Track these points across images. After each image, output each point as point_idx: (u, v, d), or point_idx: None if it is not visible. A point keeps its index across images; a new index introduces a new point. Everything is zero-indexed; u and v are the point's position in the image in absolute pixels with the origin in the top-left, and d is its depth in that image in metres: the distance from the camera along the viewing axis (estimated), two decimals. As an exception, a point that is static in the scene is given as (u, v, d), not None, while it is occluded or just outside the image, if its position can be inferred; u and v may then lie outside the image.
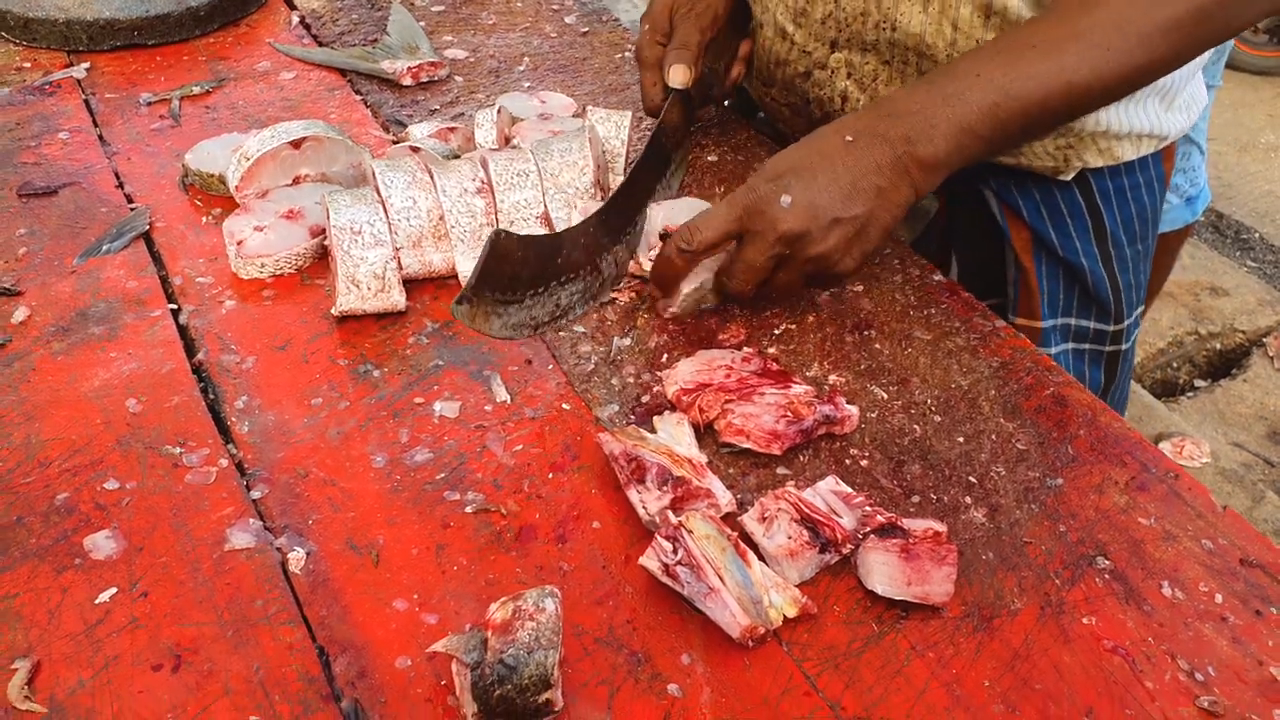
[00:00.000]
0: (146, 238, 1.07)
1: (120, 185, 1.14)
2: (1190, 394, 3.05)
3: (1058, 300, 1.22)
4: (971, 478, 0.88)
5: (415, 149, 1.11)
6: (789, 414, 0.88)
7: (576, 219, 1.02)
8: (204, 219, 1.10)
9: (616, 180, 1.11)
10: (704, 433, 0.89)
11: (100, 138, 1.21)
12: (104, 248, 1.04)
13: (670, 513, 0.79)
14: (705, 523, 0.78)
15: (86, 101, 1.27)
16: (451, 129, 1.18)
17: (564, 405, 0.92)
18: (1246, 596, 0.80)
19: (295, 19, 1.45)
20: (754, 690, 0.72)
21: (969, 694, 0.72)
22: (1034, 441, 0.91)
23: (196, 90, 1.28)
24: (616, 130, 1.11)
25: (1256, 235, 3.61)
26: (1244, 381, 3.06)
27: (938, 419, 0.93)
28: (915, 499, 0.86)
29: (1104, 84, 0.96)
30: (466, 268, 1.01)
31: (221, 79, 1.31)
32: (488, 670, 0.67)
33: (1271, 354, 3.21)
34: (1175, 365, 3.19)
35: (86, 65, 1.33)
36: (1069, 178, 1.16)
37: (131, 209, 1.10)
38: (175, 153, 1.19)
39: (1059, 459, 0.90)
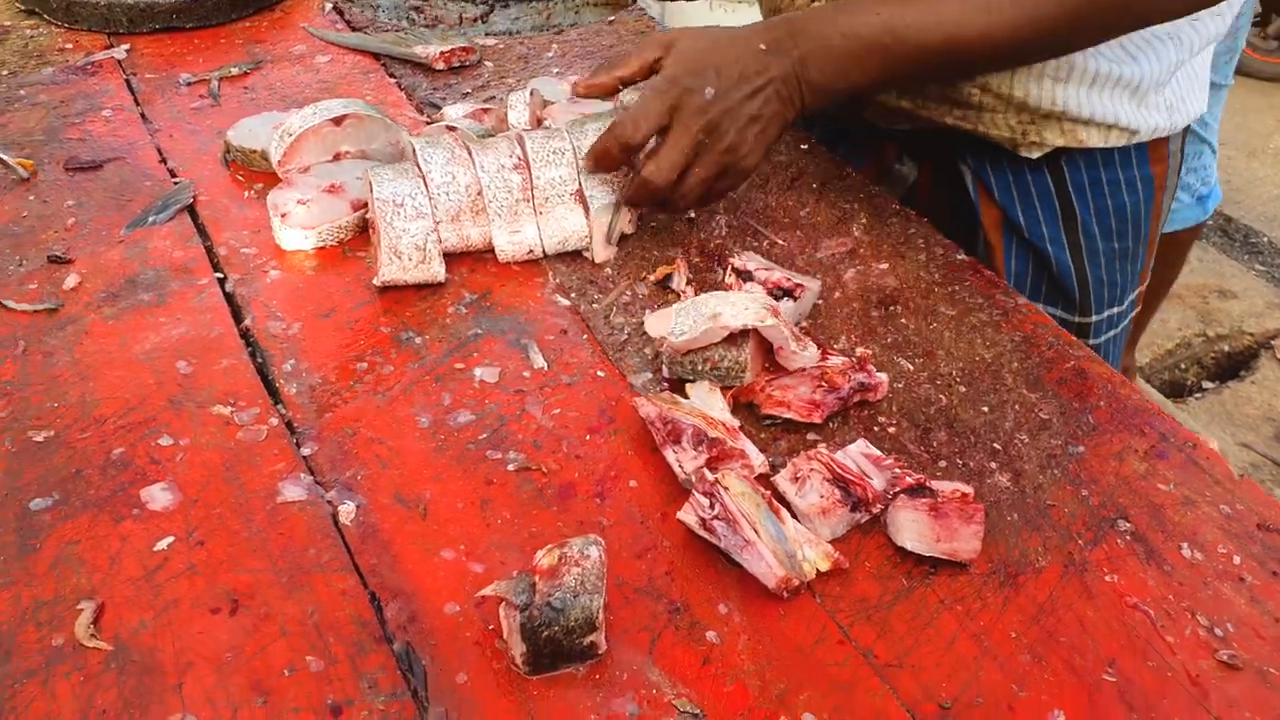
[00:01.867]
0: (191, 210, 1.10)
1: (163, 160, 1.17)
2: (1198, 395, 3.07)
3: (1024, 282, 1.24)
4: (996, 444, 0.91)
5: (451, 128, 1.13)
6: (824, 383, 0.91)
7: (611, 197, 1.05)
8: (246, 193, 1.13)
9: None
10: (738, 408, 0.92)
11: (142, 115, 1.24)
12: (150, 219, 1.07)
13: (706, 470, 0.82)
14: (740, 481, 0.81)
15: (128, 81, 1.31)
16: (485, 110, 1.21)
17: (599, 373, 0.95)
18: (1264, 558, 0.83)
19: (328, 5, 1.48)
20: (789, 639, 0.75)
21: (996, 644, 0.75)
22: (1056, 411, 0.94)
23: (235, 71, 1.31)
24: None
25: (1265, 239, 3.63)
26: (1252, 383, 3.08)
27: (963, 389, 0.96)
28: (942, 464, 0.89)
29: (989, 44, 1.01)
30: (503, 242, 1.04)
31: (258, 61, 1.35)
32: (536, 612, 0.70)
33: (1279, 356, 3.24)
34: (1183, 367, 3.21)
35: (126, 47, 1.36)
36: (1034, 156, 1.16)
37: (175, 183, 1.13)
38: (216, 130, 1.22)
39: (1080, 428, 0.93)
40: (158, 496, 0.81)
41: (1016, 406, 0.94)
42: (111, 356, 0.93)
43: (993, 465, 0.89)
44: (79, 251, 1.04)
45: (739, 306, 0.91)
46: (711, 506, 0.78)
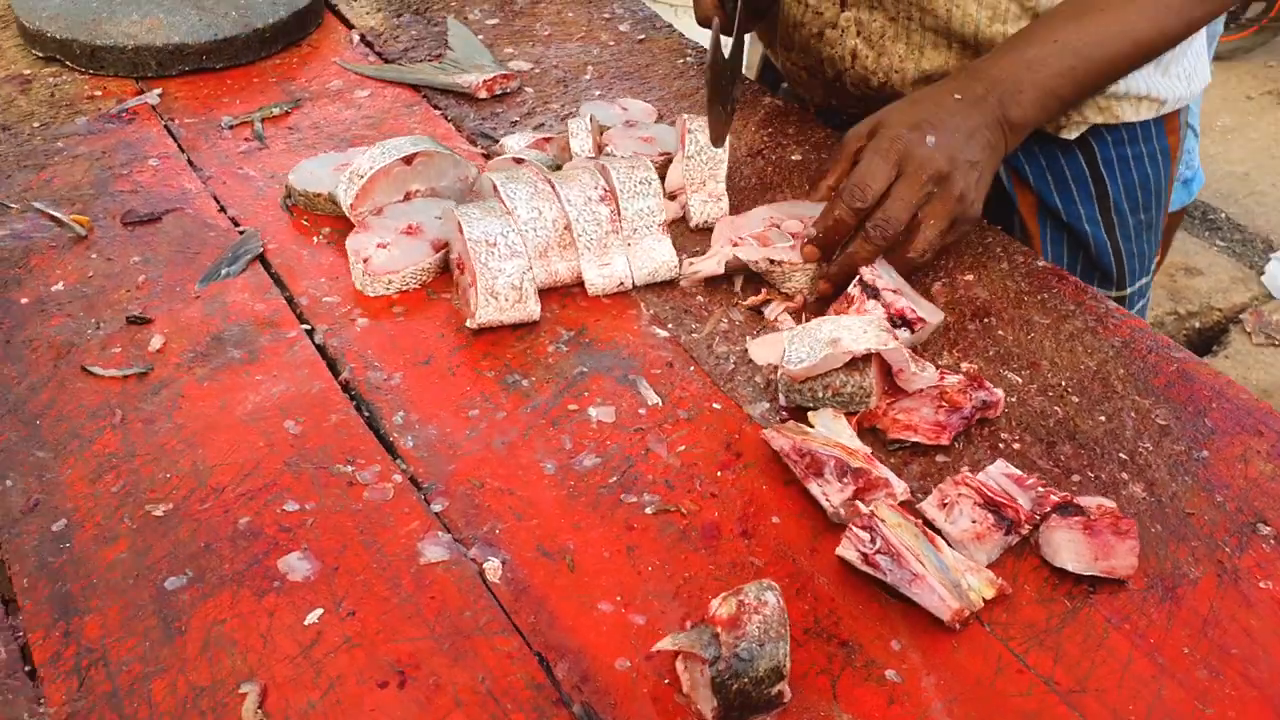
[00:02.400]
0: (262, 260, 1.07)
1: (222, 209, 1.13)
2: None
3: (1062, 264, 1.27)
4: (1122, 454, 0.90)
5: (519, 160, 1.11)
6: (945, 403, 0.90)
7: (713, 213, 1.05)
8: (315, 239, 1.10)
9: (719, 187, 1.12)
10: (862, 433, 0.91)
11: (190, 162, 1.20)
12: (223, 271, 1.04)
13: (860, 503, 0.81)
14: (892, 511, 0.80)
15: (166, 127, 1.26)
16: (548, 139, 1.19)
17: (714, 405, 0.93)
18: (1405, 553, 0.83)
19: (356, 37, 1.45)
20: (967, 671, 0.74)
21: (1171, 662, 0.75)
22: (1172, 416, 0.94)
23: (276, 111, 1.28)
24: None
25: (1222, 215, 3.70)
26: (1225, 358, 3.14)
27: (1075, 399, 0.95)
28: (1075, 478, 0.88)
29: (1165, 38, 1.08)
30: (593, 275, 1.02)
31: (297, 99, 1.31)
32: (725, 665, 0.68)
33: (1249, 329, 3.30)
34: (1160, 344, 3.26)
35: (159, 91, 1.32)
36: (1072, 136, 1.20)
37: (240, 232, 1.09)
38: (268, 174, 1.18)
39: (1199, 432, 0.93)
40: (296, 566, 0.78)
41: (1133, 414, 0.94)
42: (214, 420, 0.89)
43: (1124, 476, 0.88)
44: (156, 310, 1.00)
45: (857, 330, 0.90)
46: (872, 541, 0.77)
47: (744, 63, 1.17)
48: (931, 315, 0.98)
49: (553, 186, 1.03)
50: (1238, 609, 0.78)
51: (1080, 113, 1.18)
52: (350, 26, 1.48)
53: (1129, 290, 1.31)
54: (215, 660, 0.72)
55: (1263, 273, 3.29)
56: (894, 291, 0.96)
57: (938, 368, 0.95)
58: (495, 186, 1.02)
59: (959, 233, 1.05)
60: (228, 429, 0.89)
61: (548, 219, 1.01)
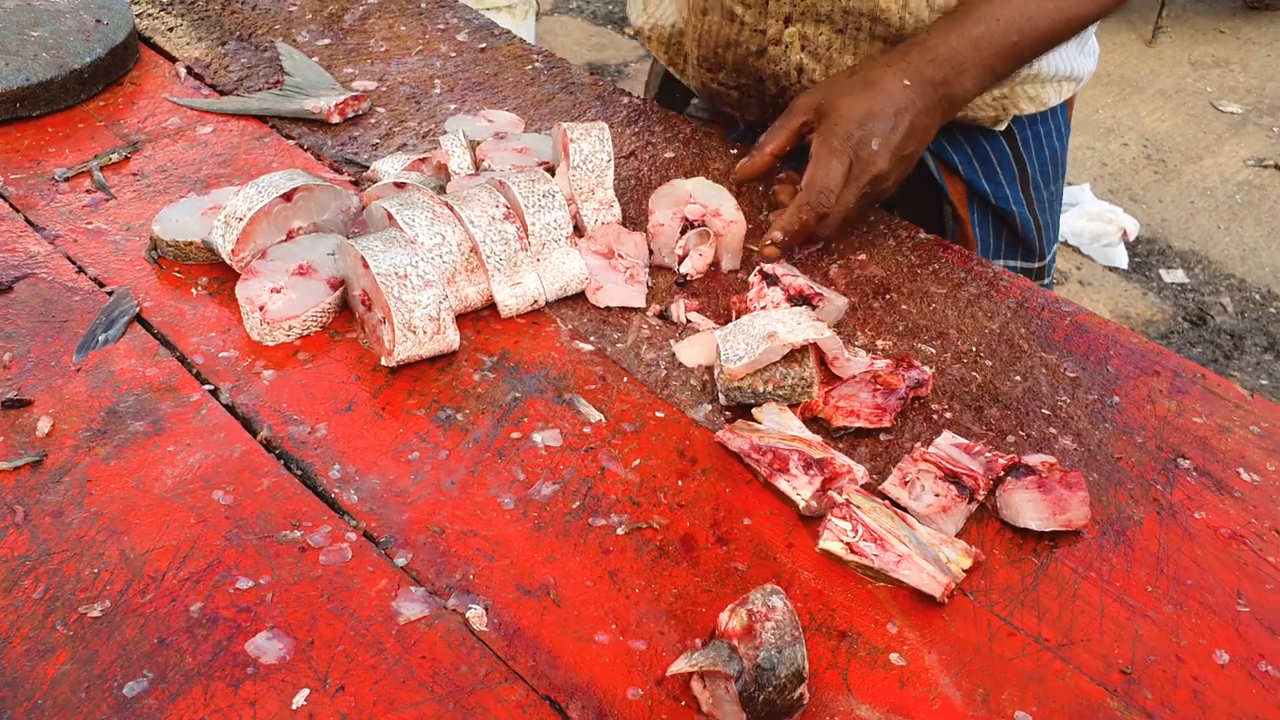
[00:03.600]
0: (141, 320, 0.98)
1: (81, 270, 1.03)
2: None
3: (989, 245, 1.32)
4: (1045, 410, 0.95)
5: (400, 185, 1.07)
6: (880, 386, 0.92)
7: (606, 218, 1.05)
8: (194, 290, 1.02)
9: (608, 194, 1.11)
10: (806, 425, 0.91)
11: (29, 222, 1.09)
12: (100, 338, 0.95)
13: (834, 494, 0.82)
14: (864, 497, 0.81)
15: (-10, 186, 1.15)
16: (423, 159, 1.15)
17: (657, 414, 0.92)
18: (1305, 468, 0.91)
19: (183, 71, 1.35)
20: (964, 642, 0.76)
21: (1140, 602, 0.79)
22: (1078, 368, 0.99)
23: (115, 157, 1.18)
24: (601, 144, 1.10)
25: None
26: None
27: (989, 363, 0.99)
28: (1010, 438, 0.92)
29: (1100, 9, 1.14)
30: (506, 296, 0.99)
31: (134, 142, 1.21)
32: (749, 678, 0.67)
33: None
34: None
35: (-29, 147, 1.19)
36: (1002, 129, 1.25)
37: (108, 293, 1.00)
38: (123, 226, 1.09)
39: (1106, 379, 0.98)
40: (267, 648, 0.72)
41: (1044, 370, 0.99)
42: (132, 501, 0.82)
43: (1052, 431, 0.93)
44: (34, 389, 0.91)
45: (791, 322, 0.90)
46: (854, 530, 0.78)
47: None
48: (835, 297, 1.00)
49: (451, 209, 0.99)
50: (1183, 542, 0.84)
51: (1015, 104, 1.24)
52: (173, 60, 1.38)
53: (1045, 260, 1.37)
54: (203, 765, 0.66)
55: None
56: (791, 275, 0.98)
57: (854, 350, 0.98)
58: (390, 215, 0.98)
59: (865, 215, 1.11)
60: (150, 509, 0.81)
61: (452, 243, 0.97)
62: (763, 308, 0.97)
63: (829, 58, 1.19)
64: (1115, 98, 4.23)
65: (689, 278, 1.06)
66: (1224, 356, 3.14)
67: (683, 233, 1.07)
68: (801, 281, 0.98)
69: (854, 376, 0.93)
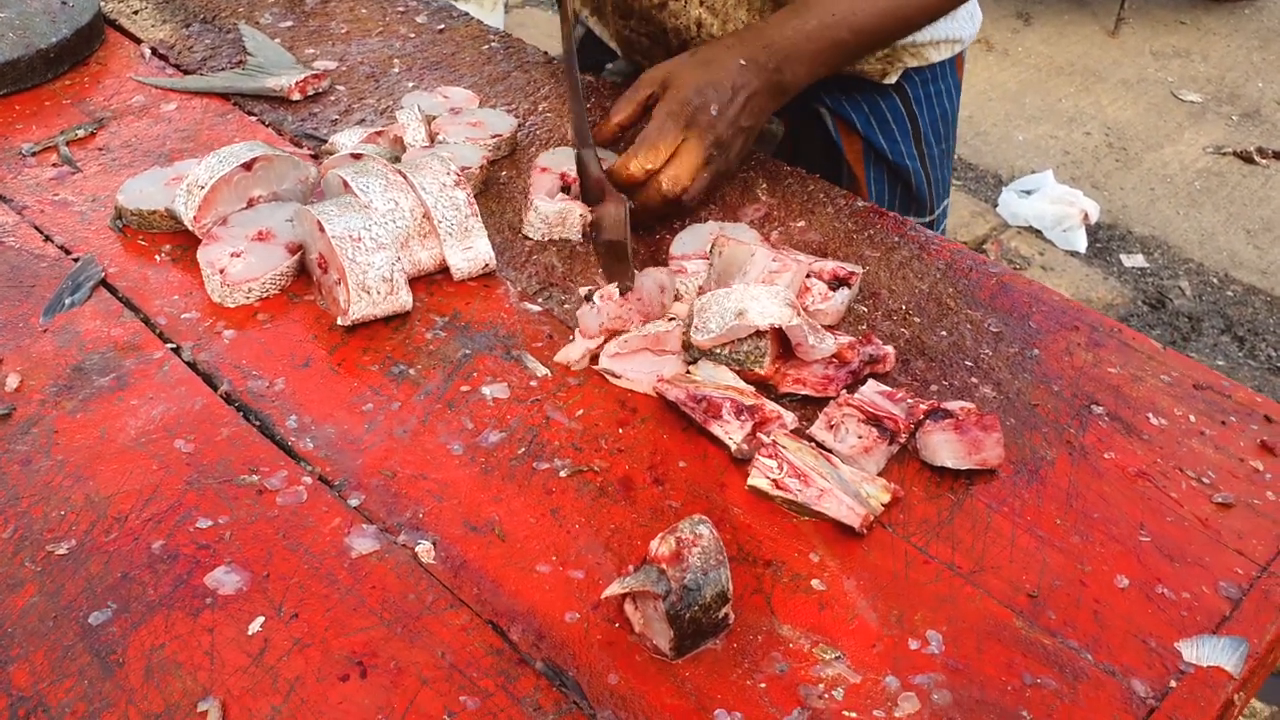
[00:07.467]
0: (106, 285, 1.02)
1: (48, 238, 1.07)
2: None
3: (884, 201, 1.40)
4: (968, 362, 1.00)
5: (357, 156, 1.11)
6: (835, 359, 0.95)
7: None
8: (157, 257, 1.06)
9: None
10: (750, 384, 0.96)
11: (-2, 195, 1.13)
12: (66, 301, 0.99)
13: (762, 435, 0.87)
14: (790, 439, 0.86)
15: (-40, 161, 1.18)
16: (379, 133, 1.19)
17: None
18: (1210, 413, 0.96)
19: (148, 51, 1.39)
20: (881, 569, 0.81)
21: (1049, 533, 0.84)
22: (1001, 324, 1.05)
23: (81, 133, 1.22)
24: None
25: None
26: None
27: (917, 320, 1.05)
28: (934, 388, 0.97)
29: (927, 14, 1.21)
30: (458, 259, 1.04)
31: (100, 119, 1.25)
32: (676, 598, 0.72)
33: (992, 257, 3.61)
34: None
35: (-59, 124, 1.23)
36: (891, 81, 1.33)
37: (74, 259, 1.04)
38: (89, 197, 1.13)
39: (1027, 333, 1.04)
40: (225, 580, 0.77)
41: (969, 326, 1.04)
42: (98, 450, 0.86)
43: (974, 380, 0.98)
44: (3, 349, 0.95)
45: (764, 302, 0.93)
46: (780, 467, 0.83)
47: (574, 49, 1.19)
48: (858, 269, 1.06)
49: (404, 176, 1.03)
50: (1091, 480, 0.89)
51: (899, 59, 1.31)
52: (138, 41, 1.42)
53: (935, 215, 1.46)
54: (164, 685, 0.70)
55: (996, 204, 3.58)
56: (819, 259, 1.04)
57: (818, 333, 1.02)
58: (346, 182, 1.02)
59: (719, 186, 1.17)
60: (115, 457, 0.86)
61: (405, 209, 1.02)
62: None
63: (725, 13, 1.26)
64: (1078, 87, 4.31)
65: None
66: (1182, 339, 3.21)
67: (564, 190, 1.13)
68: (832, 265, 1.03)
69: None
